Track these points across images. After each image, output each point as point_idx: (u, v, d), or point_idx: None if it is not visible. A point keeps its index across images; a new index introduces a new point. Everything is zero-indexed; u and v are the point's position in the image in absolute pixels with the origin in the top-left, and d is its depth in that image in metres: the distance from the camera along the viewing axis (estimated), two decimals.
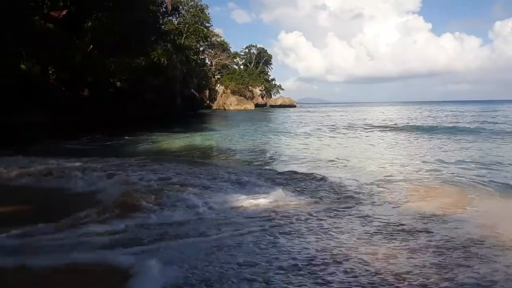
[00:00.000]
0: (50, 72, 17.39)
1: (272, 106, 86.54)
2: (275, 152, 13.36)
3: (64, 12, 21.56)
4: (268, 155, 12.72)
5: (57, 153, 12.00)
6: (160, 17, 39.28)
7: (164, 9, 40.70)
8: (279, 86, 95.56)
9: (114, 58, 23.01)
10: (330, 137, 18.94)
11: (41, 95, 15.91)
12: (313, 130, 23.38)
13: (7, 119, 13.38)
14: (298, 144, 15.84)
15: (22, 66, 15.76)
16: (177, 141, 16.70)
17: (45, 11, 20.30)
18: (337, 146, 15.28)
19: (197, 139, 17.88)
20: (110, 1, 21.47)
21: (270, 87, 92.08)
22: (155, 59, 31.74)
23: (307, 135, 20.07)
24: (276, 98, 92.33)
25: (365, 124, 27.25)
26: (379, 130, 22.35)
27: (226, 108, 72.92)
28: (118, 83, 25.03)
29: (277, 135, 20.23)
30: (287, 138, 18.42)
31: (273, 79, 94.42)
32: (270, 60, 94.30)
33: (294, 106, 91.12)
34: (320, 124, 28.59)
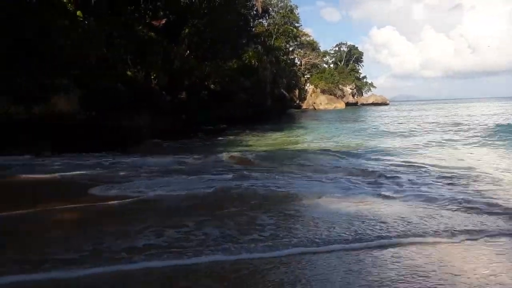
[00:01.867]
0: (152, 77, 18.72)
1: (363, 105, 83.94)
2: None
3: (163, 21, 23.09)
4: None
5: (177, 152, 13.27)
6: (251, 20, 40.24)
7: (255, 12, 41.59)
8: (371, 84, 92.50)
9: (208, 62, 24.08)
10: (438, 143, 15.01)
11: (145, 99, 17.22)
12: (412, 130, 21.51)
13: (117, 122, 14.71)
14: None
15: (128, 73, 17.19)
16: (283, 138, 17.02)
17: (147, 21, 21.93)
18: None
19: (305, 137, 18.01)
20: (205, 8, 22.52)
21: (361, 85, 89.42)
22: (246, 61, 32.57)
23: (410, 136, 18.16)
24: (367, 96, 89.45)
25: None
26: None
27: (316, 107, 72.31)
28: (212, 85, 26.12)
29: (373, 136, 19.02)
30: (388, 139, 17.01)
31: (364, 77, 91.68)
32: (361, 58, 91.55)
33: (387, 104, 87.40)
34: (419, 123, 26.89)
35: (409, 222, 4.92)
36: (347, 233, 4.52)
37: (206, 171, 9.14)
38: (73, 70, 11.95)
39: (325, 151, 13.13)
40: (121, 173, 8.94)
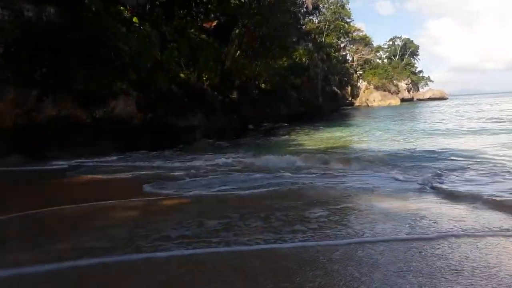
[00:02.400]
0: (204, 78, 19.21)
1: (419, 100, 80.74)
2: None
3: (214, 23, 23.61)
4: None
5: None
6: (301, 17, 40.04)
7: (305, 9, 41.32)
8: (428, 78, 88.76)
9: (258, 61, 24.30)
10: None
11: (198, 99, 17.73)
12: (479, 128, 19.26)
13: (172, 123, 15.27)
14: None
15: (181, 75, 17.76)
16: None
17: (199, 24, 22.51)
18: None
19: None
20: (256, 8, 22.75)
21: (417, 80, 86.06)
22: (297, 59, 32.50)
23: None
24: (424, 91, 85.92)
25: None
26: None
27: (369, 104, 70.49)
28: (263, 84, 26.34)
29: (433, 134, 17.75)
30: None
31: (420, 71, 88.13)
32: (417, 51, 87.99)
33: (446, 99, 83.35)
34: (481, 119, 25.36)
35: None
36: None
37: (263, 170, 9.28)
38: (131, 74, 12.55)
39: (382, 150, 12.86)
40: (176, 173, 9.29)
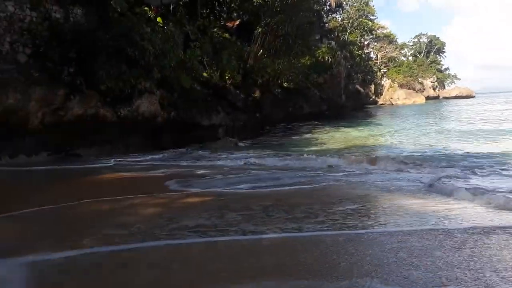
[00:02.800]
0: (226, 77, 19.28)
1: (445, 98, 78.94)
2: None
3: (237, 22, 23.67)
4: None
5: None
6: (324, 15, 39.73)
7: (328, 7, 40.98)
8: (454, 76, 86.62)
9: (281, 60, 24.22)
10: None
11: (220, 98, 17.84)
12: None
13: (195, 121, 15.41)
14: None
15: (204, 74, 17.87)
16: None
17: (222, 23, 22.60)
18: None
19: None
20: (278, 7, 22.69)
21: (443, 78, 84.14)
22: (320, 57, 32.27)
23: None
24: (450, 89, 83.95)
25: None
26: None
27: (393, 102, 69.32)
28: (285, 83, 26.25)
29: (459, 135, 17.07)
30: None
31: (446, 69, 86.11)
32: (443, 48, 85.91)
33: (473, 97, 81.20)
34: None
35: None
36: None
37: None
38: (155, 74, 12.71)
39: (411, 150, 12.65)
40: (199, 171, 9.36)
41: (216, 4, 22.22)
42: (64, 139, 11.33)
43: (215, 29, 20.57)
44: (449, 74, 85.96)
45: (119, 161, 11.13)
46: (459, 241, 3.92)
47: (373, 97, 64.96)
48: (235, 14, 23.78)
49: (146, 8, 14.83)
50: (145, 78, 12.76)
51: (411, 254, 3.57)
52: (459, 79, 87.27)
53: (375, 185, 7.06)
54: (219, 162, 10.71)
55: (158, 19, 15.04)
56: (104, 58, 11.24)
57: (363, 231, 4.39)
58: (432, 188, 6.48)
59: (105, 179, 8.60)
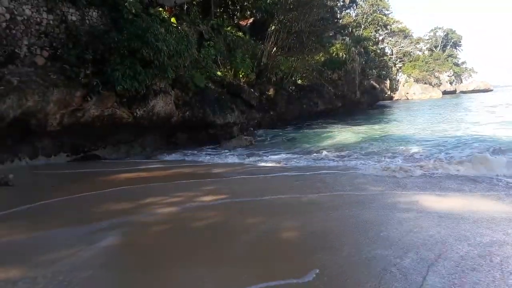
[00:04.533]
0: (240, 75, 19.30)
1: (462, 92, 77.51)
2: None
3: (250, 20, 23.66)
4: None
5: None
6: (338, 11, 39.39)
7: (342, 3, 40.63)
8: (471, 70, 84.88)
9: (295, 57, 24.13)
10: None
11: (235, 96, 17.87)
12: None
13: (210, 120, 15.47)
14: None
15: (218, 73, 17.93)
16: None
17: (236, 21, 22.62)
18: None
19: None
20: (292, 4, 22.59)
21: (460, 71, 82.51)
22: (334, 54, 32.02)
23: None
24: (467, 83, 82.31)
25: None
26: None
27: (409, 97, 68.39)
28: (299, 80, 26.15)
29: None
30: None
31: (463, 62, 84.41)
32: (460, 42, 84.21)
33: (491, 90, 79.52)
34: None
35: None
36: None
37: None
38: (170, 74, 12.78)
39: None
40: (216, 170, 9.44)
41: (230, 3, 22.26)
42: (81, 140, 11.52)
43: (228, 28, 20.61)
44: (466, 68, 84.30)
45: (130, 160, 11.34)
46: None
47: (389, 93, 63.99)
48: (248, 12, 23.80)
49: (160, 9, 14.94)
50: (160, 78, 12.86)
51: None
52: (476, 72, 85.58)
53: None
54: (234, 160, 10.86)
55: (172, 19, 15.13)
56: (119, 59, 11.35)
57: None
58: None
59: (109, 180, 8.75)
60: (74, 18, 11.22)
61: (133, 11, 12.56)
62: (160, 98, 13.21)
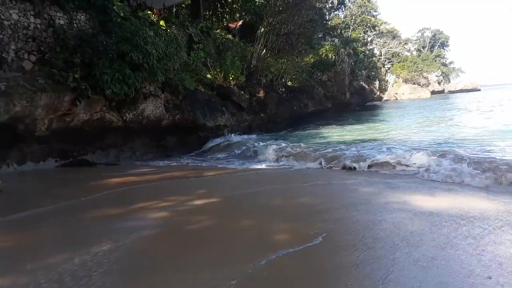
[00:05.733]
0: (230, 78, 19.30)
1: (451, 92, 78.41)
2: None
3: (240, 23, 23.70)
4: None
5: None
6: (326, 13, 39.63)
7: (330, 5, 40.89)
8: (459, 69, 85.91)
9: (284, 59, 24.20)
10: None
11: (225, 99, 17.85)
12: None
13: (200, 123, 15.43)
14: None
15: (208, 75, 17.91)
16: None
17: (225, 24, 22.63)
18: None
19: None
20: (281, 6, 22.67)
21: (448, 71, 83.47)
22: (323, 55, 32.20)
23: None
24: (455, 83, 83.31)
25: None
26: None
27: (398, 98, 69.00)
28: (289, 82, 26.22)
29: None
30: None
31: (451, 62, 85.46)
32: (447, 42, 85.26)
33: (478, 90, 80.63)
34: None
35: None
36: None
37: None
38: (159, 77, 12.74)
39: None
40: (208, 173, 9.41)
41: (219, 5, 22.26)
42: (70, 145, 11.42)
43: (218, 31, 20.62)
44: (453, 68, 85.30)
45: (125, 163, 11.27)
46: None
47: (378, 93, 64.48)
48: (237, 14, 23.82)
49: (149, 12, 14.90)
50: (150, 81, 12.82)
51: None
52: (464, 72, 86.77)
53: None
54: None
55: (161, 22, 15.09)
56: (107, 62, 11.28)
57: None
58: None
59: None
60: (61, 22, 11.13)
61: (122, 14, 12.49)
62: (150, 101, 13.17)
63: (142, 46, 11.70)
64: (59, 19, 11.07)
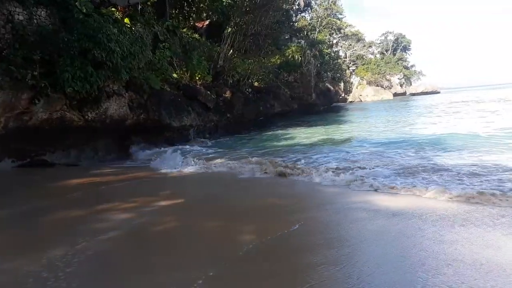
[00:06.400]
0: (197, 78, 19.17)
1: (412, 94, 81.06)
2: None
3: (206, 22, 23.58)
4: None
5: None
6: (293, 14, 40.04)
7: (297, 6, 41.32)
8: (420, 72, 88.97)
9: (251, 60, 24.29)
10: None
11: (191, 99, 17.71)
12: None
13: (165, 123, 15.25)
14: None
15: (174, 75, 17.72)
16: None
17: (192, 23, 22.45)
18: None
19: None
20: (248, 6, 22.71)
21: (409, 74, 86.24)
22: (290, 56, 32.53)
23: None
24: (416, 86, 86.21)
25: None
26: None
27: (362, 99, 70.72)
28: (256, 82, 26.35)
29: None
30: None
31: (412, 66, 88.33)
32: (409, 46, 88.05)
33: (438, 93, 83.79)
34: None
35: None
36: None
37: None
38: (123, 75, 12.49)
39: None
40: (172, 174, 9.31)
41: (185, 4, 22.06)
42: (28, 145, 11.03)
43: (184, 30, 20.43)
44: (415, 71, 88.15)
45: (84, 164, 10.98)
46: None
47: (343, 95, 65.92)
48: (204, 14, 23.69)
49: (113, 8, 14.57)
50: (113, 80, 12.54)
51: None
52: (424, 75, 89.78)
53: None
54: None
55: (126, 19, 14.79)
56: (69, 60, 10.95)
57: None
58: None
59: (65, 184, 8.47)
60: (21, 17, 10.71)
61: (84, 10, 12.15)
62: (113, 100, 12.89)
63: (105, 44, 11.43)
64: (18, 14, 10.64)
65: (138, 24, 15.73)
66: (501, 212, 5.15)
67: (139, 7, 17.08)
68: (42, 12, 11.33)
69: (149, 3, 18.29)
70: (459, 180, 7.07)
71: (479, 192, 5.93)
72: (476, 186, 6.51)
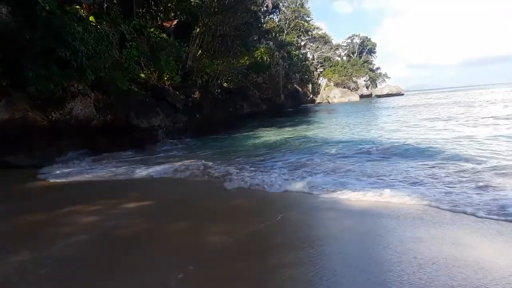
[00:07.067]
0: (165, 78, 18.96)
1: (378, 96, 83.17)
2: None
3: (175, 22, 23.35)
4: None
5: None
6: (261, 16, 40.24)
7: (265, 8, 41.59)
8: (385, 75, 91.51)
9: (220, 60, 24.24)
10: None
11: (159, 100, 17.48)
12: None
13: (133, 123, 14.99)
14: None
15: (142, 75, 17.45)
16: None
17: (159, 23, 22.18)
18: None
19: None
20: (216, 7, 22.67)
21: (375, 77, 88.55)
22: (258, 58, 32.69)
23: None
24: (382, 88, 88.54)
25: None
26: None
27: (330, 101, 71.92)
28: (225, 83, 26.32)
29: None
30: None
31: (378, 68, 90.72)
32: (375, 49, 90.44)
33: (402, 95, 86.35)
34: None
35: None
36: None
37: None
38: (89, 75, 12.20)
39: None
40: (139, 176, 9.19)
41: (152, 3, 21.79)
42: None
43: (152, 29, 20.15)
44: (380, 73, 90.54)
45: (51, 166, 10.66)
46: None
47: (311, 96, 66.92)
48: (172, 14, 23.46)
49: (77, 6, 14.22)
50: (78, 79, 12.23)
51: None
52: (389, 78, 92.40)
53: None
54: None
55: (91, 18, 14.44)
56: (32, 58, 10.60)
57: None
58: None
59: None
60: None
61: (48, 8, 11.79)
62: (79, 100, 12.56)
63: (70, 42, 11.15)
64: None
65: (104, 23, 15.39)
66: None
67: (105, 5, 16.75)
68: (4, 9, 10.89)
69: (114, 1, 17.96)
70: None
71: None
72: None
